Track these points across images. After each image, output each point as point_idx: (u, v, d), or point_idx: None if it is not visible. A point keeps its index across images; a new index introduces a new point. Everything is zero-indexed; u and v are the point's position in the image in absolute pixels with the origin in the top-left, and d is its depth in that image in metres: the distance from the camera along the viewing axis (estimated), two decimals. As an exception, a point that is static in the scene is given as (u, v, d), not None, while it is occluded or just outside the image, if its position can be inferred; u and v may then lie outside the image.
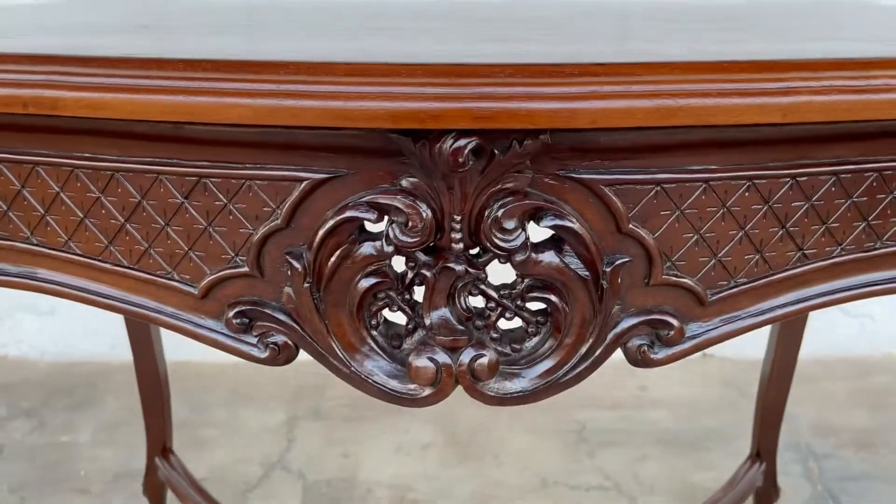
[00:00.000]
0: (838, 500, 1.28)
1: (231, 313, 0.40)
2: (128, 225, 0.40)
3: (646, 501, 1.28)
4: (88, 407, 1.55)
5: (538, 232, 0.39)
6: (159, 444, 1.15)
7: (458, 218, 0.37)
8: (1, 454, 1.40)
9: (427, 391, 0.39)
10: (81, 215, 0.41)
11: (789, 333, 1.12)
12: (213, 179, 0.38)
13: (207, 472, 1.32)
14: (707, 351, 1.75)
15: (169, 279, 0.41)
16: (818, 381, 1.65)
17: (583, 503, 1.28)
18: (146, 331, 1.12)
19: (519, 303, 0.40)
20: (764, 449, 1.15)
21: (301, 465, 1.37)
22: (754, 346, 1.74)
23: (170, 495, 1.23)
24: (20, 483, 1.32)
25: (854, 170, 0.39)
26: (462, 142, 0.35)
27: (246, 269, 0.40)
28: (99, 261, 0.41)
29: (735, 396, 1.59)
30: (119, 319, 1.70)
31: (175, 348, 1.69)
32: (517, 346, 0.41)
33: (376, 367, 0.40)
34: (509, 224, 0.37)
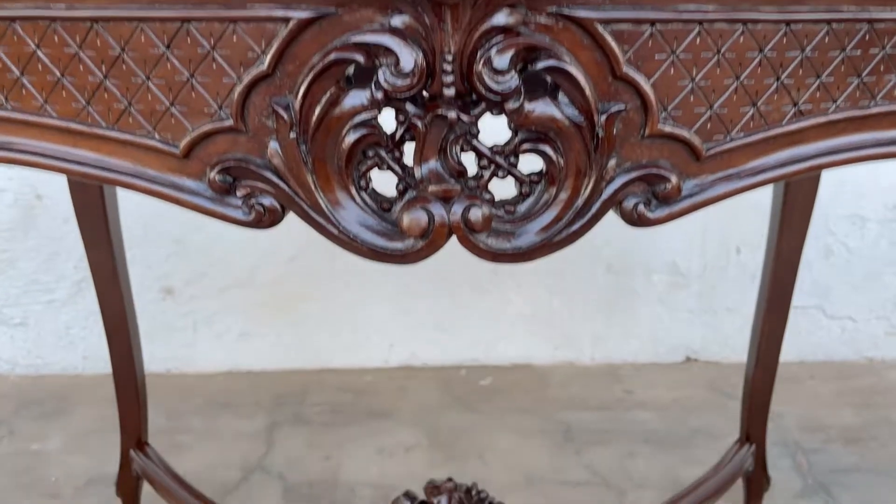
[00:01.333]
0: (829, 492, 1.26)
1: (214, 172, 0.39)
2: (107, 81, 0.39)
3: (636, 495, 1.25)
4: (59, 417, 1.49)
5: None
6: (134, 437, 1.10)
7: (450, 58, 0.36)
8: (-34, 463, 1.34)
9: (419, 244, 0.38)
10: (59, 74, 0.39)
11: (773, 320, 1.11)
12: (196, 24, 0.37)
13: (184, 476, 1.27)
14: (691, 355, 1.74)
15: (149, 139, 0.39)
16: (803, 381, 1.64)
17: (571, 499, 1.24)
18: (124, 332, 1.08)
19: (512, 159, 0.39)
20: (753, 433, 1.13)
21: (281, 468, 1.33)
22: (740, 350, 1.73)
23: (144, 495, 1.18)
24: (-15, 490, 1.26)
25: (847, 19, 0.39)
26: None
27: (230, 122, 0.38)
28: (77, 123, 0.40)
29: (721, 399, 1.58)
30: (93, 331, 1.65)
31: (151, 359, 1.65)
32: (511, 209, 0.39)
33: (365, 226, 0.38)
34: (502, 64, 0.36)
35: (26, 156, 0.41)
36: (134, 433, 1.10)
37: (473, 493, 0.82)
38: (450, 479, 0.82)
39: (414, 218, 0.37)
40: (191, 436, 1.42)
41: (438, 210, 0.37)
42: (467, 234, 0.38)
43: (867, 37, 0.40)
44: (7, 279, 1.61)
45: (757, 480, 1.16)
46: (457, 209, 0.38)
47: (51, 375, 1.65)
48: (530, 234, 0.39)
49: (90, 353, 1.67)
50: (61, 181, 1.57)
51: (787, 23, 0.38)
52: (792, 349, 1.69)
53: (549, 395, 1.59)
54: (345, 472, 1.31)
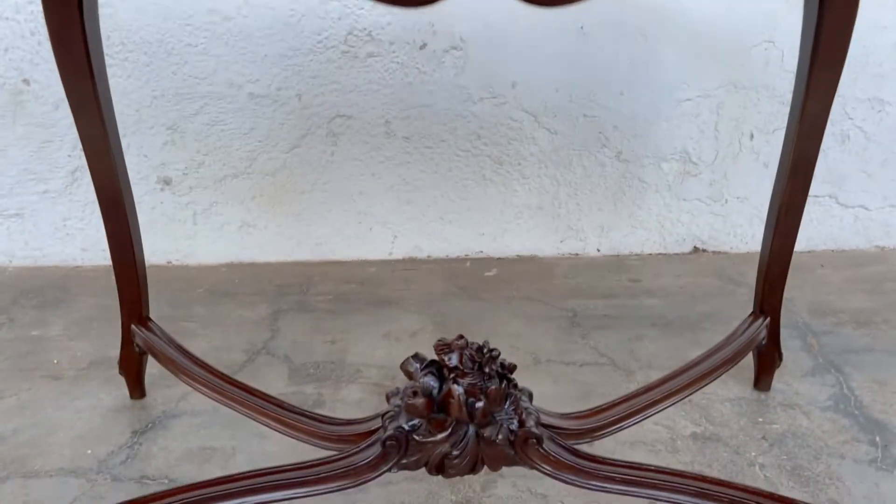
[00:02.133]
0: (841, 370, 1.25)
1: None
2: None
3: (643, 374, 1.24)
4: (59, 305, 1.48)
5: None
6: (135, 313, 1.08)
7: None
8: (-33, 348, 1.32)
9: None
10: None
11: (794, 183, 1.06)
12: None
13: (187, 358, 1.26)
14: (699, 245, 1.71)
15: None
16: (813, 269, 1.62)
17: (578, 378, 1.23)
18: (122, 214, 1.03)
19: None
20: (767, 306, 1.11)
21: (286, 350, 1.32)
22: (749, 240, 1.71)
23: (148, 376, 1.17)
24: (-12, 372, 1.25)
25: None
26: None
27: None
28: None
29: (730, 286, 1.56)
30: (90, 223, 1.62)
31: (152, 252, 1.62)
32: None
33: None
34: None
35: None
36: (135, 309, 1.08)
37: (485, 350, 0.79)
38: (461, 336, 0.79)
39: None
40: (195, 322, 1.41)
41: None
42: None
43: None
44: (-2, 167, 1.56)
45: (769, 355, 1.15)
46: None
47: (49, 267, 1.63)
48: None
49: (88, 246, 1.64)
50: (50, 64, 1.50)
51: None
52: (803, 239, 1.66)
53: (555, 285, 1.57)
54: (351, 355, 1.30)
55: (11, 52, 1.49)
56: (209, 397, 0.95)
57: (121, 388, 1.18)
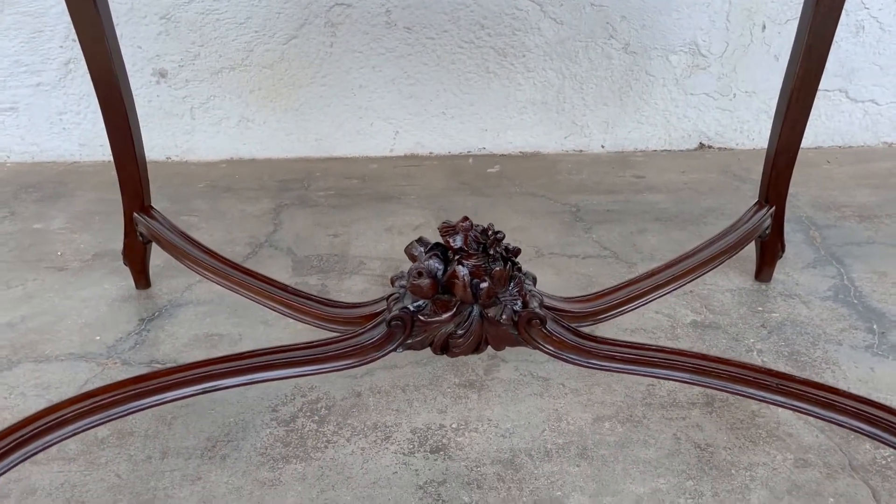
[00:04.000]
0: (842, 262, 1.25)
1: None
2: None
3: (646, 266, 1.25)
4: (59, 199, 1.47)
5: None
6: (137, 202, 1.08)
7: None
8: (-30, 240, 1.33)
9: None
10: None
11: (805, 69, 1.03)
12: None
13: (190, 250, 1.26)
14: (705, 142, 1.69)
15: None
16: (819, 165, 1.61)
17: (581, 269, 1.24)
18: (122, 112, 1.00)
19: None
20: (773, 196, 1.10)
21: (289, 243, 1.32)
22: (756, 136, 1.68)
23: (153, 267, 1.17)
24: (-7, 263, 1.26)
25: None
26: None
27: None
28: None
29: (734, 182, 1.55)
30: (87, 117, 1.59)
31: (150, 148, 1.60)
32: None
33: None
34: None
35: None
36: (136, 198, 1.07)
37: (490, 232, 0.79)
38: (466, 218, 0.79)
39: None
40: (196, 216, 1.41)
41: None
42: None
43: None
44: (-11, 56, 1.52)
45: (772, 245, 1.15)
46: None
47: (47, 162, 1.62)
48: None
49: (86, 141, 1.62)
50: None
51: None
52: (810, 135, 1.64)
53: (559, 180, 1.56)
54: (354, 248, 1.30)
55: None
56: (215, 282, 0.95)
57: (126, 278, 1.19)
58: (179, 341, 1.06)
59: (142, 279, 1.17)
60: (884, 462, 0.83)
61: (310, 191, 1.51)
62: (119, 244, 1.19)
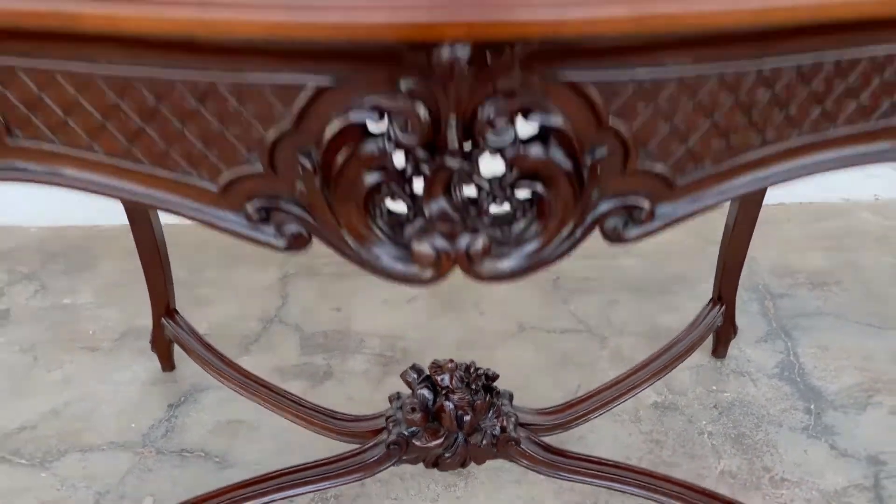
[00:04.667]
0: (790, 335, 1.40)
1: (250, 206, 0.45)
2: (146, 128, 0.43)
3: (616, 341, 1.40)
4: (85, 270, 1.61)
5: (528, 127, 0.43)
6: (163, 305, 1.22)
7: (454, 117, 0.41)
8: (8, 318, 1.47)
9: (428, 273, 0.44)
10: (101, 119, 0.44)
11: (746, 207, 1.18)
12: (224, 84, 0.41)
13: (209, 329, 1.41)
14: (678, 200, 1.82)
15: (189, 177, 0.45)
16: (780, 224, 1.74)
17: (557, 345, 1.39)
18: (149, 230, 1.14)
19: (508, 191, 0.45)
20: (725, 293, 1.25)
21: (297, 319, 1.46)
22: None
23: (176, 350, 1.32)
24: (31, 344, 1.40)
25: (814, 59, 0.43)
26: (458, 52, 0.38)
27: (260, 168, 0.44)
28: (123, 160, 0.45)
29: (701, 244, 1.69)
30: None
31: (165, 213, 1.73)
32: (507, 229, 0.46)
33: (383, 253, 0.45)
34: (500, 122, 0.41)
35: (78, 183, 0.46)
36: (162, 301, 1.22)
37: (472, 370, 0.94)
38: (451, 361, 0.94)
39: (423, 253, 0.44)
40: (211, 289, 1.55)
41: (444, 245, 0.44)
42: (469, 265, 0.44)
43: (832, 70, 0.44)
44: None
45: (725, 331, 1.30)
46: (460, 244, 0.44)
47: (70, 227, 1.74)
48: (522, 256, 0.45)
49: (105, 207, 1.74)
50: None
51: (759, 67, 0.42)
52: (772, 191, 1.77)
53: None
54: (355, 323, 1.45)
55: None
56: (236, 391, 1.11)
57: (153, 360, 1.33)
58: (205, 428, 1.22)
59: (168, 363, 1.32)
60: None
61: (313, 258, 1.65)
62: (143, 320, 1.33)
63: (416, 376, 0.97)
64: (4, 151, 0.46)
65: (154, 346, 1.29)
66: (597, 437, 1.19)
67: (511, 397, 1.00)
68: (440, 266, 0.44)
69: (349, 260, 0.46)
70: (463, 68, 0.38)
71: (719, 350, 1.34)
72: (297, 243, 0.46)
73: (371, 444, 0.97)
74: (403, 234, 0.45)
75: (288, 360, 1.36)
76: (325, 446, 1.05)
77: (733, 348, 1.36)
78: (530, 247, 0.45)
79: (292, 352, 1.38)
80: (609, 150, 0.43)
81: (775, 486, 1.11)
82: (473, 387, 0.94)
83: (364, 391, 1.29)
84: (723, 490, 1.07)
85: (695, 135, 0.44)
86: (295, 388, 1.21)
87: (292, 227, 0.45)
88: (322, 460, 0.96)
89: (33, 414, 1.24)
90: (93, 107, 0.43)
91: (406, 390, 0.95)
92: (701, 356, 1.36)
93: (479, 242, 0.44)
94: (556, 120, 0.41)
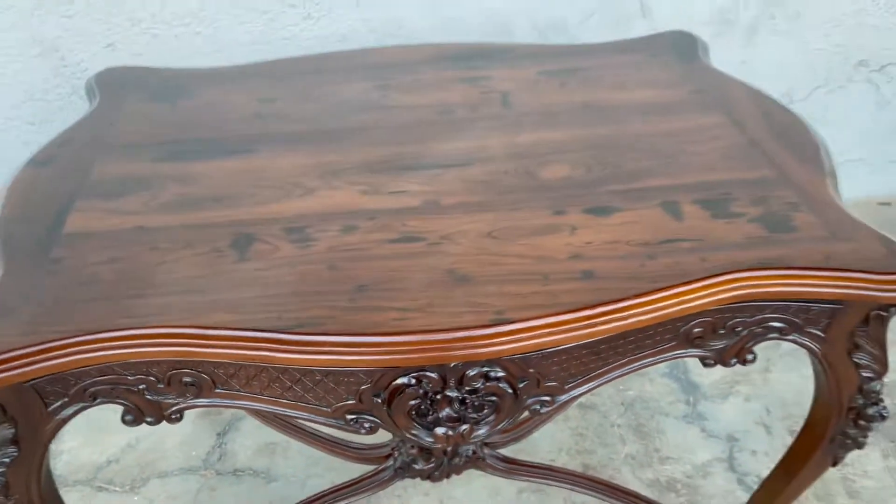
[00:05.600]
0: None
1: (348, 416, 0.85)
2: (294, 386, 0.83)
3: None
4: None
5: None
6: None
7: (453, 381, 0.82)
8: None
9: (440, 445, 0.86)
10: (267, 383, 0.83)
11: None
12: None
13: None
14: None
15: (311, 405, 0.85)
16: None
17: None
18: None
19: (480, 399, 0.86)
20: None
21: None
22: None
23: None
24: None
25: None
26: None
27: (353, 401, 0.84)
28: (266, 395, 0.85)
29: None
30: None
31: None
32: (479, 413, 0.87)
33: (420, 434, 0.86)
34: (477, 381, 0.82)
35: (242, 402, 0.86)
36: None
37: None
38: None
39: (440, 434, 0.85)
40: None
41: (449, 431, 0.86)
42: (462, 439, 0.86)
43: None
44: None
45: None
46: (459, 429, 0.86)
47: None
48: (486, 430, 0.87)
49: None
50: None
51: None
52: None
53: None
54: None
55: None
56: (271, 427, 1.52)
57: (196, 396, 1.72)
58: (249, 451, 1.63)
59: (210, 400, 1.71)
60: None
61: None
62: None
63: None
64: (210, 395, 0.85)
65: (200, 390, 1.68)
66: (539, 434, 1.64)
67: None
68: (448, 440, 0.86)
69: (398, 437, 0.87)
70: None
71: (626, 356, 1.79)
72: (371, 431, 0.87)
73: (383, 467, 1.40)
74: (427, 422, 0.87)
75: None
76: (342, 463, 1.48)
77: (637, 353, 1.82)
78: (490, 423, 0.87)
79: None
80: (528, 382, 0.85)
81: (662, 463, 1.59)
82: (452, 426, 1.37)
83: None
84: (625, 470, 1.55)
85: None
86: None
87: (366, 424, 0.86)
88: (351, 481, 1.39)
89: (115, 448, 1.63)
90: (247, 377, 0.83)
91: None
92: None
93: (466, 428, 0.86)
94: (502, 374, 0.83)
